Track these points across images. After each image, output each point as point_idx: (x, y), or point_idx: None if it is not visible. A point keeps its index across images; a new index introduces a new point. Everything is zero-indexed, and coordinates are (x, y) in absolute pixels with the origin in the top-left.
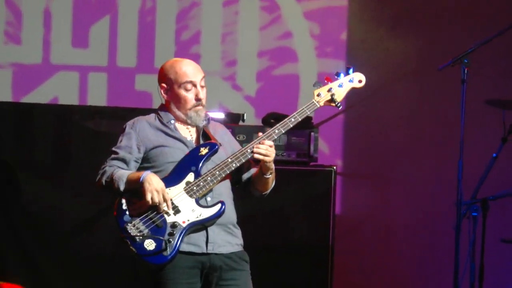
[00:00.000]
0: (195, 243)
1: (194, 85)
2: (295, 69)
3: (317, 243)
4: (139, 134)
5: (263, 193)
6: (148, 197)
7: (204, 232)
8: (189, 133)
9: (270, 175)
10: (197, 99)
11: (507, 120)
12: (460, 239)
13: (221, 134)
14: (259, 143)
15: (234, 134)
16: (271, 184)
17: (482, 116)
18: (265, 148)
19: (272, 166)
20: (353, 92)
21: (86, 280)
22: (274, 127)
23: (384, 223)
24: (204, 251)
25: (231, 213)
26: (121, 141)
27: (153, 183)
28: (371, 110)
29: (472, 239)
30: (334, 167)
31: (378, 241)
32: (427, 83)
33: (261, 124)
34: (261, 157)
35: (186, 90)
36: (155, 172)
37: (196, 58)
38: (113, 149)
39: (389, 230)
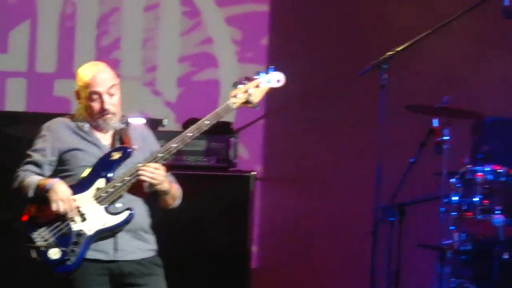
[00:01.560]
0: (102, 250)
1: (100, 95)
2: (216, 74)
3: (236, 249)
4: (54, 135)
5: (168, 208)
6: (54, 207)
7: (113, 239)
8: (104, 137)
9: (164, 195)
10: (102, 110)
11: (426, 125)
12: (379, 244)
13: (142, 138)
14: (143, 166)
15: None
16: (173, 201)
17: (402, 121)
18: (151, 171)
19: (164, 187)
20: (274, 97)
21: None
22: (187, 129)
23: (305, 228)
24: (112, 258)
25: (142, 219)
26: (36, 143)
27: (59, 192)
28: (292, 115)
29: (390, 244)
30: (254, 173)
31: (299, 246)
32: (349, 88)
33: (182, 129)
34: (147, 179)
35: (92, 99)
36: (68, 176)
37: (116, 63)
38: (28, 152)
39: (310, 235)
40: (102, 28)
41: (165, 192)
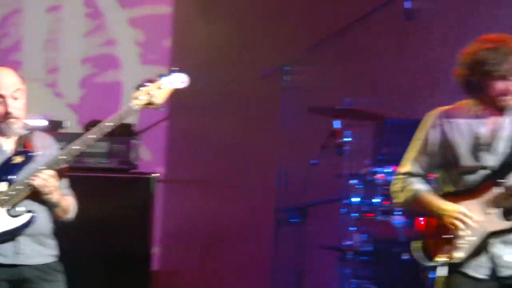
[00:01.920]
0: (2, 254)
1: (4, 98)
2: (119, 76)
3: (136, 252)
4: None
5: (59, 219)
6: None
7: (13, 242)
8: (6, 143)
9: (53, 207)
10: (6, 113)
11: (328, 127)
12: (281, 245)
13: (44, 145)
14: (38, 173)
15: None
16: (64, 214)
17: (306, 123)
18: (42, 178)
19: (53, 198)
20: (177, 98)
21: None
22: (89, 132)
23: (208, 230)
24: (12, 262)
25: (44, 224)
26: None
27: None
28: (195, 116)
29: (291, 246)
30: (155, 175)
31: (201, 248)
32: (253, 89)
33: (84, 131)
34: (37, 185)
35: None
36: None
37: (17, 65)
38: None
39: (213, 237)
40: (2, 30)
41: (53, 204)
